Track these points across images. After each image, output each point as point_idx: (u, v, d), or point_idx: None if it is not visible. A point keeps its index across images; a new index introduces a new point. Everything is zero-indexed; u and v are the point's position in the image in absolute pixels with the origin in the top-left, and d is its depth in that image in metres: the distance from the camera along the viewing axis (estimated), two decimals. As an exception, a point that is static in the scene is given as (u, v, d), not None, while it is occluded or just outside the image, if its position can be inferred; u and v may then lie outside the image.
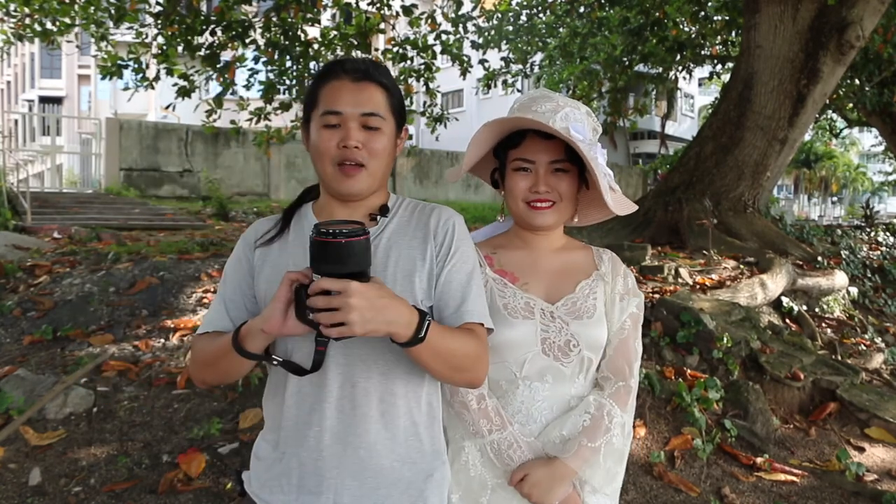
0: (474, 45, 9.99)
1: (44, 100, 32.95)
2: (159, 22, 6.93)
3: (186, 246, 6.05)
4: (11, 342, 3.80)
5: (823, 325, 5.48)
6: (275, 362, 1.13)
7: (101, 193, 12.97)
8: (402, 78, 7.98)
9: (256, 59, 7.43)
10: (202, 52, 7.01)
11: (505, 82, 11.40)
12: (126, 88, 7.57)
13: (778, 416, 3.64)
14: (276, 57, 7.40)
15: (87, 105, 31.54)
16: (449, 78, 12.47)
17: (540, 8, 11.55)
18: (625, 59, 11.34)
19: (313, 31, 7.79)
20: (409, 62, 8.06)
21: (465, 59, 8.10)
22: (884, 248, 8.44)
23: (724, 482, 2.99)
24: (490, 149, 1.42)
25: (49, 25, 7.55)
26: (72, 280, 4.53)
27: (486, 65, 9.58)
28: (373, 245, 1.17)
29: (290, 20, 7.16)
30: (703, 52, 12.23)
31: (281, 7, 6.95)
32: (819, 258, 6.68)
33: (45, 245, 6.51)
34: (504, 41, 11.46)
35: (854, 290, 6.37)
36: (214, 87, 7.48)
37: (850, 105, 13.90)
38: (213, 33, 6.98)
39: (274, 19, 7.18)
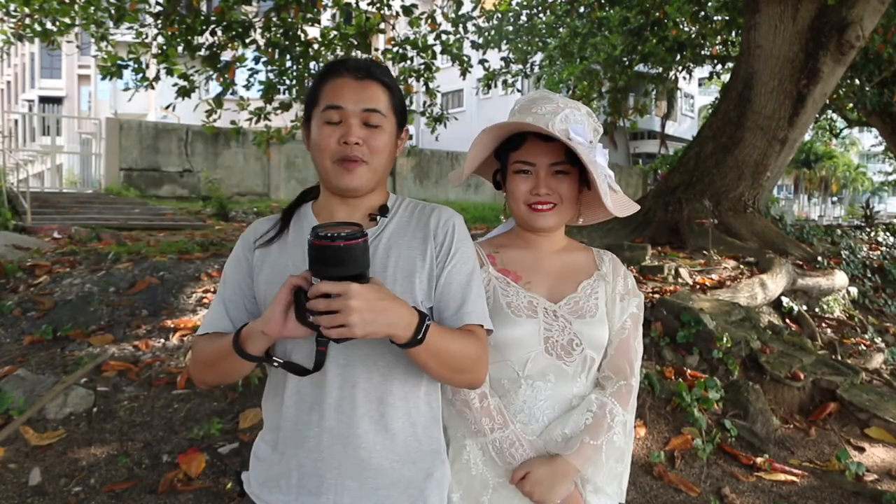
0: (474, 45, 9.98)
1: (44, 100, 32.94)
2: (159, 22, 6.93)
3: (186, 246, 6.06)
4: (11, 342, 3.80)
5: (823, 325, 5.47)
6: (276, 364, 1.13)
7: (101, 193, 12.97)
8: (402, 78, 7.98)
9: (256, 59, 7.43)
10: (202, 52, 7.02)
11: (505, 82, 11.40)
12: (126, 88, 7.58)
13: (778, 416, 3.64)
14: (276, 57, 7.40)
15: (87, 105, 31.53)
16: (449, 78, 12.48)
17: (540, 8, 11.54)
18: (625, 59, 11.34)
19: (313, 31, 7.79)
20: (409, 62, 8.06)
21: (465, 59, 8.10)
22: (884, 248, 8.44)
23: (724, 482, 2.99)
24: (491, 151, 1.43)
25: (49, 25, 7.55)
26: (72, 280, 4.53)
27: (486, 65, 9.58)
28: (372, 245, 1.17)
29: (290, 20, 7.16)
30: (703, 52, 12.23)
31: (281, 7, 6.95)
32: (819, 258, 6.68)
33: (45, 245, 6.51)
34: (504, 41, 11.45)
35: (854, 290, 6.37)
36: (214, 87, 7.48)
37: (850, 105, 13.89)
38: (213, 33, 6.99)
39: (274, 19, 7.19)
